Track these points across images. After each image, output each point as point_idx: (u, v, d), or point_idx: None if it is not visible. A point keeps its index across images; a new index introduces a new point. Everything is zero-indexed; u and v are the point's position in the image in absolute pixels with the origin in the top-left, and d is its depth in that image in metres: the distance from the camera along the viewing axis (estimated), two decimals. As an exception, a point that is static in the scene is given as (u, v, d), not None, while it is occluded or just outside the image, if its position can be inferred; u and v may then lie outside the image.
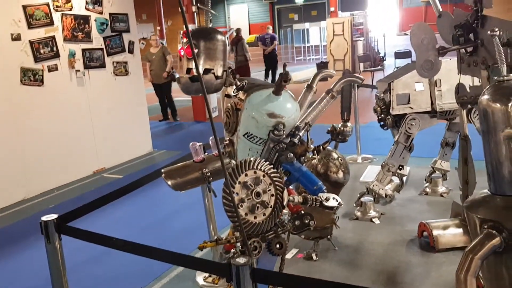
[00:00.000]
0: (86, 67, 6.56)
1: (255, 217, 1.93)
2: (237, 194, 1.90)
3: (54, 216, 2.15)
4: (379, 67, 13.97)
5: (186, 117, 10.44)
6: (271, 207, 1.96)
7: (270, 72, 14.48)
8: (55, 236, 2.12)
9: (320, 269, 3.54)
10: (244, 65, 12.60)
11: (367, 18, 16.64)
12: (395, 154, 4.42)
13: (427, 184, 4.93)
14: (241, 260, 1.56)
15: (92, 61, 6.63)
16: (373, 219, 4.32)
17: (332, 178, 3.39)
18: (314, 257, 3.70)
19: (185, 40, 2.13)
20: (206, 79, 2.14)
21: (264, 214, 1.95)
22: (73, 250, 4.29)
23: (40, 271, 3.99)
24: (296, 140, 2.11)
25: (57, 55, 6.16)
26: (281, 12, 26.90)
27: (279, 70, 13.64)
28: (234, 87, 2.26)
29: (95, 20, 6.62)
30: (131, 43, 7.18)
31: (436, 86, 4.34)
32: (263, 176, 1.93)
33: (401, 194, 4.71)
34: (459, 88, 3.49)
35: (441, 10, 3.59)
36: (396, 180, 4.57)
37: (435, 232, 3.71)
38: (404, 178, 4.64)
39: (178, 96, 14.52)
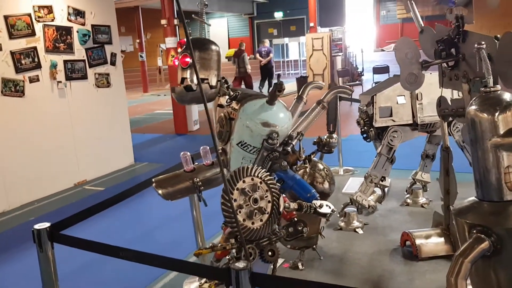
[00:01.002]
0: (68, 78, 6.51)
1: (252, 223, 1.96)
2: (235, 200, 1.93)
3: (47, 224, 2.13)
4: (358, 82, 14.27)
5: (167, 130, 10.41)
6: (268, 213, 2.00)
7: (267, 81, 15.69)
8: (47, 245, 2.11)
9: (307, 278, 3.56)
10: (247, 75, 14.41)
11: (346, 34, 16.97)
12: (377, 165, 4.52)
13: (408, 195, 5.03)
14: (240, 264, 1.59)
15: (74, 72, 6.59)
16: (357, 229, 4.38)
17: (319, 189, 3.45)
18: (300, 267, 3.73)
19: (179, 50, 2.16)
20: (203, 89, 2.17)
21: (261, 220, 1.98)
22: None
23: (22, 283, 3.92)
24: (289, 149, 2.16)
25: (38, 66, 6.10)
26: (261, 26, 27.23)
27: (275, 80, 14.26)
28: (227, 97, 2.30)
29: (77, 32, 6.59)
30: (113, 55, 7.17)
31: (417, 99, 4.47)
32: (260, 183, 1.97)
33: (383, 205, 4.80)
34: (441, 101, 3.62)
35: (423, 25, 3.74)
36: (378, 191, 4.66)
37: (418, 241, 3.79)
38: (386, 189, 4.75)
39: (159, 109, 14.53)
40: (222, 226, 2.71)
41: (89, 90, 6.86)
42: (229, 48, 27.84)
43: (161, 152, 8.54)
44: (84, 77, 6.74)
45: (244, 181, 1.92)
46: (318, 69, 15.92)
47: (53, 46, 6.26)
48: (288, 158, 2.19)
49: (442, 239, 3.82)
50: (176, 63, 2.23)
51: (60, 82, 6.39)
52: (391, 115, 4.46)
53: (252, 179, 1.99)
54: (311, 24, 16.78)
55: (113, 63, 7.16)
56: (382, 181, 4.56)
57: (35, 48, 6.03)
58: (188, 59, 2.14)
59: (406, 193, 5.05)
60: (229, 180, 1.93)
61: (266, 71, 15.83)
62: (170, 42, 9.38)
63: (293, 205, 2.08)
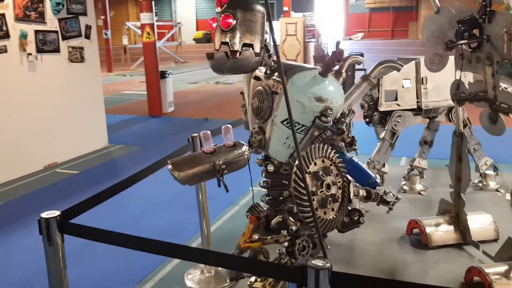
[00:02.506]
0: (39, 50, 5.97)
1: (324, 213, 1.70)
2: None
3: (56, 212, 1.79)
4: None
5: (140, 111, 9.92)
6: (339, 201, 1.75)
7: None
8: (57, 237, 1.77)
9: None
10: None
11: (317, 20, 16.86)
12: (380, 151, 4.36)
13: (405, 182, 4.91)
14: (319, 262, 1.34)
15: (45, 44, 6.05)
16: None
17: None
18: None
19: (218, 9, 1.85)
20: (245, 56, 1.87)
21: (332, 210, 1.73)
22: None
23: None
24: (344, 128, 1.91)
25: (6, 35, 5.54)
26: (229, 9, 26.65)
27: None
28: (264, 68, 2.02)
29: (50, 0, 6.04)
30: (88, 28, 6.65)
31: (422, 83, 4.32)
32: (330, 165, 1.72)
33: (381, 192, 4.66)
34: (460, 85, 3.46)
35: (439, 5, 3.55)
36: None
37: (428, 230, 3.66)
38: (384, 176, 4.61)
39: (127, 89, 13.91)
40: (248, 215, 2.45)
41: (62, 64, 6.34)
42: (197, 30, 27.16)
43: (137, 134, 8.10)
44: (57, 50, 6.21)
45: (315, 163, 1.66)
46: (292, 54, 15.69)
47: (23, 14, 5.70)
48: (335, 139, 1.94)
49: (451, 227, 3.70)
50: (214, 25, 1.91)
51: (30, 54, 5.84)
52: (396, 99, 4.30)
53: (323, 161, 1.73)
54: (285, 8, 16.49)
55: (87, 36, 6.65)
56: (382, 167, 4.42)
57: (3, 16, 5.46)
58: (231, 20, 1.84)
59: (403, 179, 4.92)
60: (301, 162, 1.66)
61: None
62: (146, 18, 8.87)
63: (362, 192, 1.85)
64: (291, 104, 1.89)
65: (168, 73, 9.72)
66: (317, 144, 1.78)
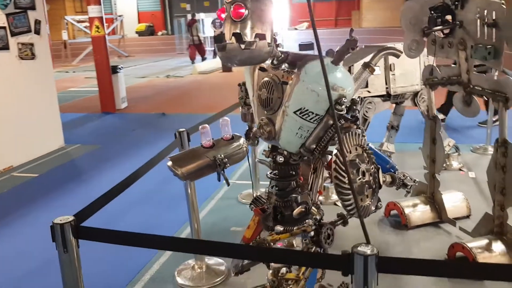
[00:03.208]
0: (-14, 48, 5.58)
1: (361, 200, 1.71)
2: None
3: (70, 217, 1.69)
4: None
5: (91, 108, 9.54)
6: (373, 188, 1.77)
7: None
8: (73, 243, 1.67)
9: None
10: (201, 43, 17.01)
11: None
12: (353, 137, 4.46)
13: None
14: (365, 248, 1.35)
15: (-7, 41, 5.66)
16: (337, 203, 4.30)
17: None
18: (295, 245, 3.55)
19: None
20: (259, 46, 1.83)
21: (367, 196, 1.74)
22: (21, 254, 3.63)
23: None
24: (358, 115, 1.92)
25: (-50, 32, 5.13)
26: (172, 1, 26.15)
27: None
28: (270, 59, 2.00)
29: (-5, -6, 5.65)
30: (37, 22, 6.29)
31: (390, 70, 4.45)
32: (363, 153, 1.72)
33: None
34: (433, 70, 3.59)
35: (410, -7, 3.65)
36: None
37: (406, 211, 3.80)
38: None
39: (73, 86, 13.32)
40: (252, 207, 2.42)
41: (12, 62, 5.96)
42: (139, 22, 26.46)
43: (93, 133, 7.79)
44: (6, 47, 5.83)
45: (350, 151, 1.66)
46: (241, 45, 15.62)
47: (-33, 9, 5.30)
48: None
49: (428, 207, 3.87)
50: (223, 15, 1.85)
51: (-23, 52, 5.45)
52: (366, 86, 4.40)
53: (356, 149, 1.73)
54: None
55: (37, 32, 6.29)
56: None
57: None
58: (243, 10, 1.79)
59: (373, 164, 5.06)
60: (339, 151, 1.65)
61: (219, 41, 16.85)
62: (94, 11, 8.51)
63: (388, 178, 1.87)
64: (305, 94, 1.89)
65: (119, 68, 9.41)
66: (351, 131, 1.79)
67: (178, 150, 3.00)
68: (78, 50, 19.97)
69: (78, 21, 21.07)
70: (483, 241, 3.18)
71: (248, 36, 1.81)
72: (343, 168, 1.71)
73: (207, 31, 22.11)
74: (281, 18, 23.98)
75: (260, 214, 2.32)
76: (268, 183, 2.24)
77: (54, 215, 1.71)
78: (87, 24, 21.41)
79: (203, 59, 17.46)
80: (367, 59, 2.22)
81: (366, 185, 1.79)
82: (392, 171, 1.90)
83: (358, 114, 1.89)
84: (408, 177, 1.98)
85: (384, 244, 3.59)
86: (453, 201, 3.92)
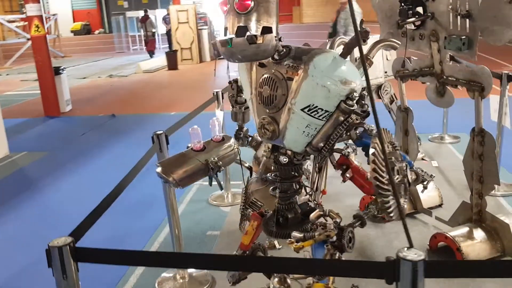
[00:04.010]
0: None
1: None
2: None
3: (68, 239, 1.48)
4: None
5: (34, 112, 8.93)
6: (406, 186, 1.69)
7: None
8: (72, 267, 1.46)
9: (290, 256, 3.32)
10: (153, 39, 17.19)
11: (208, 7, 16.71)
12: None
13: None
14: (412, 254, 1.27)
15: None
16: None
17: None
18: (277, 245, 3.44)
19: None
20: (267, 40, 1.69)
21: (401, 196, 1.66)
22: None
23: None
24: (369, 109, 1.83)
25: None
26: (109, -2, 25.19)
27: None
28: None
29: None
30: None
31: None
32: (393, 150, 1.63)
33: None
34: (404, 62, 3.61)
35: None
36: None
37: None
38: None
39: (8, 90, 12.42)
40: (249, 212, 2.29)
41: None
42: (74, 21, 25.24)
43: (38, 139, 7.28)
44: None
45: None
46: (186, 43, 15.34)
47: None
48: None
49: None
50: (225, 8, 1.69)
51: None
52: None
53: (388, 147, 1.64)
54: (175, -5, 16.01)
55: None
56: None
57: None
58: (250, 2, 1.64)
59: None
60: (378, 150, 1.54)
61: (169, 37, 16.80)
62: (33, 9, 7.95)
63: (413, 175, 1.80)
64: (315, 90, 1.78)
65: (62, 69, 8.87)
66: (382, 128, 1.70)
67: (157, 155, 2.80)
68: (9, 52, 18.73)
69: (9, 21, 19.74)
70: (464, 230, 3.23)
71: (254, 29, 1.67)
72: (383, 168, 1.62)
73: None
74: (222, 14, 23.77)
75: (259, 219, 2.19)
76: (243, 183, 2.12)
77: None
78: (18, 24, 20.17)
79: (151, 55, 16.97)
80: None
81: (402, 184, 1.72)
82: (410, 166, 1.85)
83: (369, 109, 1.81)
84: (426, 173, 1.94)
85: (365, 238, 3.57)
86: (425, 191, 3.98)
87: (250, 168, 2.91)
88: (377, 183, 1.65)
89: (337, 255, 1.78)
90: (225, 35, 1.76)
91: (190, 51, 15.40)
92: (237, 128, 2.57)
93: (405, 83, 3.74)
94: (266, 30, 1.69)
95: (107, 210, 3.78)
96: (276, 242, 3.48)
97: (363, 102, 1.80)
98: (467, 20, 3.02)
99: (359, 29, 1.79)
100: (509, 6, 2.70)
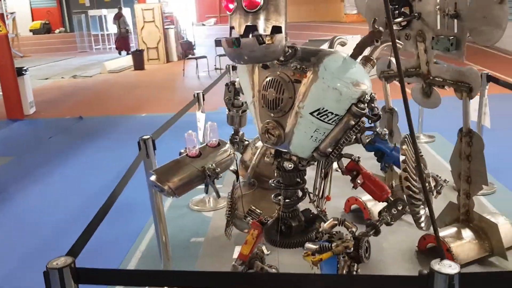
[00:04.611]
0: None
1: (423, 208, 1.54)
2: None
3: (68, 259, 1.33)
4: (190, 55, 13.81)
5: (-6, 114, 8.49)
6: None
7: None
8: (73, 290, 1.32)
9: (281, 262, 3.23)
10: (126, 36, 16.87)
11: (170, 5, 16.47)
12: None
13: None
14: (446, 267, 1.20)
15: None
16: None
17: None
18: (266, 251, 3.36)
19: None
20: (278, 40, 1.58)
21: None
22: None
23: None
24: (380, 113, 1.76)
25: None
26: (70, -4, 24.40)
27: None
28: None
29: None
30: None
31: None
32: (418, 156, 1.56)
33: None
34: (390, 62, 3.59)
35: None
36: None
37: (369, 205, 3.78)
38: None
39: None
40: (249, 221, 2.19)
41: None
42: (33, 20, 24.31)
43: (2, 143, 6.91)
44: None
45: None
46: (152, 42, 15.02)
47: None
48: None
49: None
50: (231, 6, 1.55)
51: None
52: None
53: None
54: (140, -7, 15.64)
55: None
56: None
57: None
58: (259, 0, 1.52)
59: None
60: (408, 157, 1.46)
61: (125, 42, 17.18)
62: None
63: (432, 181, 1.73)
64: (326, 92, 1.69)
65: (25, 69, 8.48)
66: (405, 135, 1.63)
67: (144, 162, 2.65)
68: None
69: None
70: (452, 230, 3.24)
71: (262, 28, 1.57)
72: (414, 177, 1.55)
73: (111, 27, 20.94)
74: (188, 13, 23.49)
75: (260, 228, 2.10)
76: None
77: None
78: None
79: (128, 53, 16.50)
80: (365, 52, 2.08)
81: (430, 192, 1.66)
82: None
83: (380, 112, 1.74)
84: (440, 178, 1.89)
85: (353, 241, 3.53)
86: (409, 191, 3.99)
87: (236, 172, 2.81)
88: (410, 192, 1.58)
89: (355, 266, 1.71)
90: (230, 34, 1.64)
91: (157, 51, 15.10)
92: (233, 132, 2.46)
93: (389, 84, 3.73)
94: (276, 29, 1.58)
95: (85, 218, 3.56)
96: (264, 247, 3.40)
97: (373, 105, 1.73)
98: (455, 20, 3.02)
99: (371, 29, 1.71)
100: (499, 6, 2.71)
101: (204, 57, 12.46)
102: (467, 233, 3.20)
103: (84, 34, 21.67)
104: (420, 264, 3.22)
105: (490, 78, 4.16)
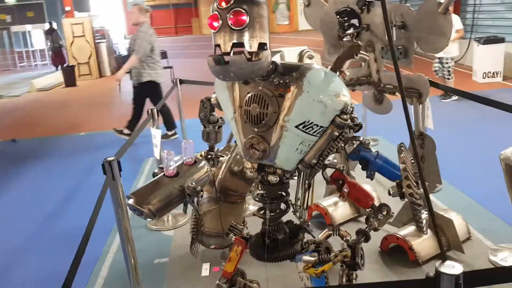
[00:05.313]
0: None
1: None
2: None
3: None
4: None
5: None
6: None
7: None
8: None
9: (254, 274, 3.21)
10: (60, 50, 16.60)
11: (105, 19, 15.98)
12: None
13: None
14: (450, 267, 1.26)
15: None
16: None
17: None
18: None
19: (225, 5, 1.49)
20: (264, 57, 1.58)
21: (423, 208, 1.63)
22: None
23: None
24: (361, 122, 1.80)
25: None
26: (-12, 12, 22.93)
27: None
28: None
29: None
30: None
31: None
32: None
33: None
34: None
35: (309, -2, 3.74)
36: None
37: (330, 210, 3.87)
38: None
39: None
40: (232, 237, 2.16)
41: None
42: None
43: None
44: None
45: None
46: (83, 57, 14.46)
47: None
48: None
49: (346, 204, 4.00)
50: (215, 24, 1.53)
51: None
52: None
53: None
54: (67, 8, 14.99)
55: None
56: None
57: None
58: (245, 17, 1.52)
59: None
60: (407, 165, 1.49)
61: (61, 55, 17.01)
62: None
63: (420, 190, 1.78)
64: (311, 106, 1.72)
65: None
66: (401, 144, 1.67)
67: (109, 186, 2.53)
68: None
69: None
70: (411, 229, 3.39)
71: (248, 45, 1.58)
72: (414, 183, 1.60)
73: (37, 43, 19.95)
74: (118, 26, 22.89)
75: (243, 244, 2.08)
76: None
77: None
78: None
79: (62, 67, 15.72)
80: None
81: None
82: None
83: (360, 122, 1.80)
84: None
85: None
86: (365, 194, 4.13)
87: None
88: (413, 199, 1.64)
89: (354, 274, 1.75)
90: (215, 52, 1.63)
91: (89, 66, 14.56)
92: (208, 148, 2.43)
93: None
94: (261, 46, 1.60)
95: (34, 247, 3.33)
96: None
97: (353, 115, 1.79)
98: (402, 30, 3.19)
99: (351, 43, 1.78)
100: (443, 16, 2.90)
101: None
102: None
103: (7, 52, 20.44)
104: (385, 264, 3.33)
105: (431, 83, 4.41)
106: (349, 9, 3.43)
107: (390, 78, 3.41)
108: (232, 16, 1.54)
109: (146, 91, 6.59)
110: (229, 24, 1.55)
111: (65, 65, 15.08)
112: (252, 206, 4.25)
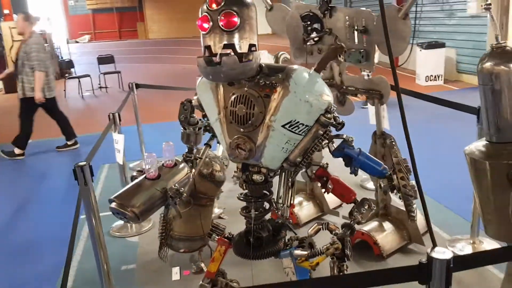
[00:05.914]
0: None
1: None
2: None
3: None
4: (67, 75, 13.07)
5: None
6: None
7: None
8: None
9: (237, 274, 3.23)
10: (3, 54, 14.22)
11: (45, 23, 15.36)
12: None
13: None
14: (440, 253, 1.35)
15: None
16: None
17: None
18: (205, 269, 3.33)
19: (216, 7, 1.50)
20: (255, 58, 1.60)
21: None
22: None
23: None
24: (343, 120, 1.87)
25: None
26: None
27: None
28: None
29: None
30: None
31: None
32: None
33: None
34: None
35: (271, 3, 3.82)
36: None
37: (296, 210, 3.96)
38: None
39: None
40: (215, 238, 2.16)
41: None
42: None
43: None
44: None
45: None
46: (23, 62, 13.78)
47: None
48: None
49: (310, 203, 4.11)
50: (205, 25, 1.54)
51: None
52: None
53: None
54: (6, 11, 14.25)
55: None
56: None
57: None
58: (236, 19, 1.54)
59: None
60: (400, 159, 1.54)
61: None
62: None
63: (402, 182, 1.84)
64: (298, 105, 1.78)
65: None
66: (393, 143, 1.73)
67: (81, 191, 2.47)
68: None
69: None
70: (375, 224, 3.54)
71: (239, 46, 1.61)
72: (407, 176, 1.68)
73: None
74: (59, 31, 22.05)
75: (227, 243, 2.10)
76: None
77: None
78: None
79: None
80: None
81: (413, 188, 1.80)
82: (386, 173, 1.95)
83: (343, 120, 1.88)
84: None
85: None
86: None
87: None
88: (406, 190, 1.72)
89: (344, 265, 1.81)
90: (204, 53, 1.65)
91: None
92: (187, 150, 2.42)
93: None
94: (251, 47, 1.64)
95: None
96: (203, 266, 3.39)
97: (335, 115, 1.86)
98: (363, 35, 3.33)
99: (334, 45, 1.85)
100: (403, 21, 3.06)
101: (87, 75, 11.83)
102: (387, 226, 3.53)
103: None
104: (353, 258, 3.45)
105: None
106: (312, 14, 3.54)
107: (352, 80, 3.54)
108: (223, 18, 1.57)
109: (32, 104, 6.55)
110: (220, 26, 1.58)
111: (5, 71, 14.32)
112: (217, 209, 4.27)
